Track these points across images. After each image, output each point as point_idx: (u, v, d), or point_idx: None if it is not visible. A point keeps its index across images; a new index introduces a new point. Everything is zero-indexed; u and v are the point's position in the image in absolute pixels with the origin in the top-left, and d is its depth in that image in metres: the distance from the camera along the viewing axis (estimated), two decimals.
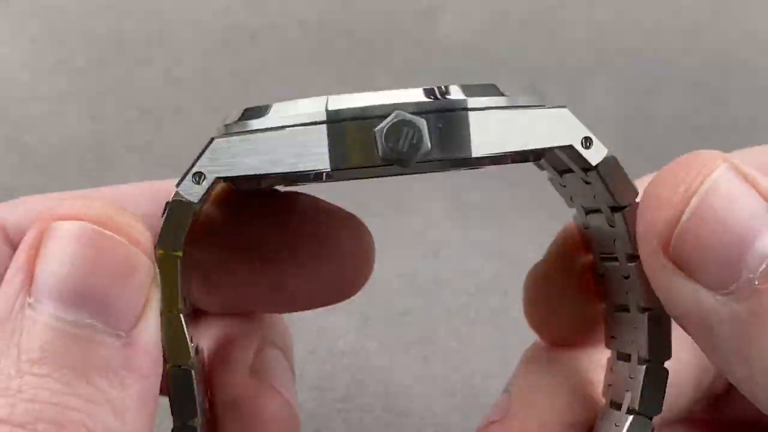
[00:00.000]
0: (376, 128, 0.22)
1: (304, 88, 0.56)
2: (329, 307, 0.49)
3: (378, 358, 0.45)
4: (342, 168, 0.22)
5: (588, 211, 0.27)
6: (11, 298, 0.21)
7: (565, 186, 0.27)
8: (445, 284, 0.50)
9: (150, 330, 0.22)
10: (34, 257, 0.21)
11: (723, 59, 0.57)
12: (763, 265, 0.21)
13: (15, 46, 0.57)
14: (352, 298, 0.50)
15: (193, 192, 0.22)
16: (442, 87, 0.23)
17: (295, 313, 0.49)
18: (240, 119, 0.23)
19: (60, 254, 0.21)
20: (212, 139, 0.23)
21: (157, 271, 0.23)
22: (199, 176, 0.22)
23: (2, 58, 0.57)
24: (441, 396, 0.42)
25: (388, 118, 0.22)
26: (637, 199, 0.24)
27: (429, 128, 0.22)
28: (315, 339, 0.46)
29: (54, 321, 0.21)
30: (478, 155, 0.23)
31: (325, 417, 0.42)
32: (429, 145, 0.22)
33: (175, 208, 0.23)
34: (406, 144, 0.22)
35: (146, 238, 0.23)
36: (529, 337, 0.33)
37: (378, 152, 0.22)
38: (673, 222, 0.22)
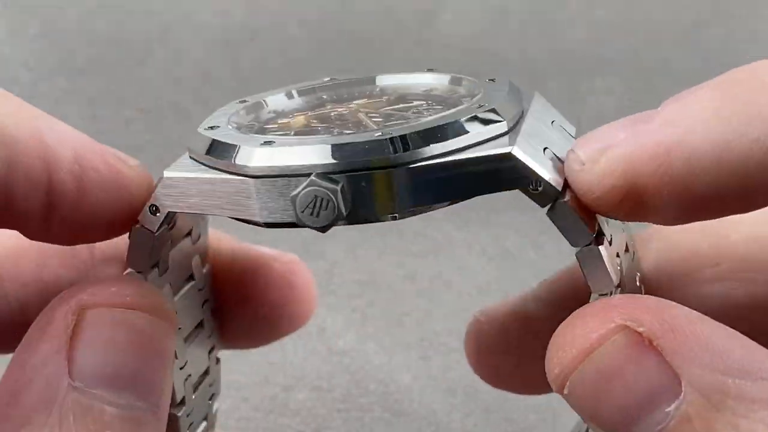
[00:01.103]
0: (291, 194, 0.21)
1: None
2: (329, 307, 0.49)
3: (378, 358, 0.45)
4: (269, 223, 0.22)
5: None
6: (53, 382, 0.21)
7: None
8: (445, 284, 0.50)
9: (169, 393, 0.23)
10: (67, 342, 0.22)
11: (723, 58, 0.57)
12: None
13: (15, 46, 0.57)
14: (352, 298, 0.50)
15: (151, 222, 0.23)
16: (379, 139, 0.21)
17: None
18: (203, 150, 0.23)
19: (103, 340, 0.22)
20: (164, 173, 0.23)
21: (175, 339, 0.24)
22: (154, 208, 0.23)
23: (2, 58, 0.57)
24: (441, 396, 0.42)
25: (302, 186, 0.21)
26: None
27: (350, 188, 0.21)
28: (315, 339, 0.46)
29: (107, 405, 0.21)
30: (405, 211, 0.22)
31: (325, 417, 0.42)
32: (344, 212, 0.21)
33: (135, 234, 0.24)
34: (319, 212, 0.21)
35: (172, 312, 0.23)
36: None
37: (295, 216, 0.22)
38: (558, 389, 0.21)
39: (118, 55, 0.57)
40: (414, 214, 0.22)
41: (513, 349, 0.30)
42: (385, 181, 0.21)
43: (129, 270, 0.24)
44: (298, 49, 0.58)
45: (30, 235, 0.24)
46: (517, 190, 0.22)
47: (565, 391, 0.21)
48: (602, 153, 0.21)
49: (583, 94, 0.57)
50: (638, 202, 0.21)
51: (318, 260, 0.51)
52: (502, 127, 0.22)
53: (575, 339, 0.21)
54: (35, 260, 0.28)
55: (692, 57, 0.58)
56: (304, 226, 0.22)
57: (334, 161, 0.21)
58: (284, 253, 0.31)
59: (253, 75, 0.57)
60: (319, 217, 0.21)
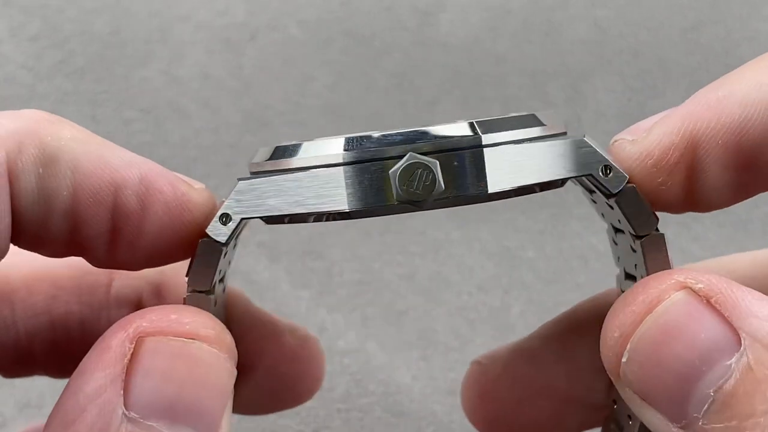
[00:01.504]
0: (390, 171, 0.22)
1: (303, 89, 0.56)
2: (329, 306, 0.49)
3: (378, 357, 0.45)
4: (359, 209, 0.23)
5: (616, 230, 0.27)
6: (107, 412, 0.21)
7: (595, 203, 0.27)
8: (445, 284, 0.50)
9: (228, 429, 0.22)
10: (123, 371, 0.21)
11: (723, 58, 0.57)
12: (705, 406, 0.20)
13: (15, 46, 0.57)
14: (352, 297, 0.50)
15: (221, 233, 0.23)
16: (460, 124, 0.23)
17: (295, 312, 0.49)
18: (269, 158, 0.24)
19: (161, 370, 0.21)
20: (238, 181, 0.23)
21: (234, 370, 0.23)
22: (225, 217, 0.23)
23: (2, 58, 0.57)
24: (441, 396, 0.42)
25: (402, 160, 0.22)
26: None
27: (443, 168, 0.22)
28: None
29: None
30: (495, 191, 0.23)
31: (325, 417, 0.42)
32: (443, 186, 0.22)
33: (203, 248, 0.23)
34: (420, 185, 0.22)
35: (231, 341, 0.23)
36: None
37: (393, 194, 0.22)
38: (615, 362, 0.22)
39: (118, 55, 0.57)
40: (500, 197, 0.24)
41: (517, 389, 0.30)
42: (475, 160, 0.22)
43: (191, 291, 0.24)
44: (298, 49, 0.58)
45: (96, 260, 0.24)
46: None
47: (624, 358, 0.21)
48: (653, 128, 0.23)
49: (583, 94, 0.57)
50: (693, 161, 0.22)
51: (318, 260, 0.51)
52: (563, 128, 0.24)
53: (637, 300, 0.21)
54: (47, 291, 0.28)
55: (692, 57, 0.58)
56: (399, 203, 0.22)
57: (426, 142, 0.22)
58: (300, 327, 0.31)
59: (253, 75, 0.57)
60: (421, 191, 0.22)
